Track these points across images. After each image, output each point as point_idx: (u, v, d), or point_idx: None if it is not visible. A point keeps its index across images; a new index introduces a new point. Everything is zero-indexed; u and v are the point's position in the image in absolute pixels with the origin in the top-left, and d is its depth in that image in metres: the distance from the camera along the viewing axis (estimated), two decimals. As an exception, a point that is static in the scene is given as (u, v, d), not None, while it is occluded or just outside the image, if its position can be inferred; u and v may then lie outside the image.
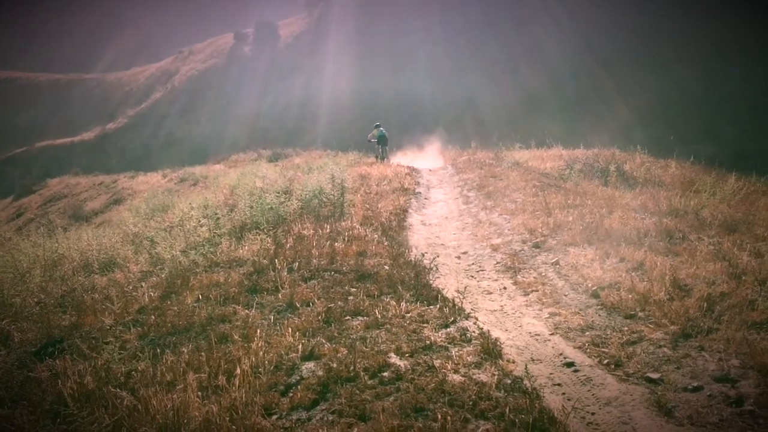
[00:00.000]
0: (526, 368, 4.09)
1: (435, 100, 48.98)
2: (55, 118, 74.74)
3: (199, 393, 3.81)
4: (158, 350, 4.49)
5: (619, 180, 11.40)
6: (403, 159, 19.25)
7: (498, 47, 52.53)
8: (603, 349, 4.69)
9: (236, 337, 4.62)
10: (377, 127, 19.43)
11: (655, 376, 4.22)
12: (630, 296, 5.54)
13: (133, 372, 4.24)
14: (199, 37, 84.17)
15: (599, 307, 5.57)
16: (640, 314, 5.22)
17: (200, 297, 5.67)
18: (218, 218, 8.74)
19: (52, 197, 31.82)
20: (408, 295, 5.37)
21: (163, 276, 6.59)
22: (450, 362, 4.04)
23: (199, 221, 8.80)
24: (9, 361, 4.67)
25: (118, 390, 3.94)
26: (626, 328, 5.02)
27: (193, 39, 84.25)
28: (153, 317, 5.28)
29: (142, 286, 6.26)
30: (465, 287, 6.16)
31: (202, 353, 4.35)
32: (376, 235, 7.85)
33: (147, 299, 5.80)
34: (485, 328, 4.78)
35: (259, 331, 4.63)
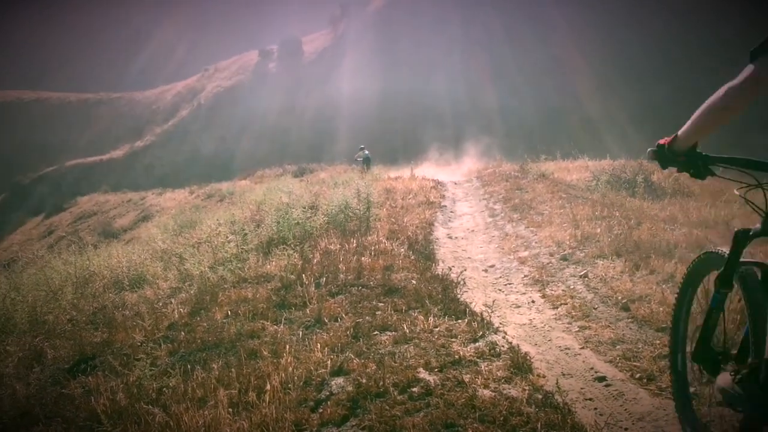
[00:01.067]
0: (557, 383, 4.05)
1: (458, 113, 49.00)
2: (84, 137, 76.24)
3: (230, 409, 3.82)
4: (189, 366, 4.52)
5: (647, 191, 11.28)
6: (427, 171, 19.30)
7: (521, 59, 52.51)
8: (635, 363, 4.62)
9: (265, 352, 4.64)
10: (362, 149, 23.87)
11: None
12: (661, 309, 5.45)
13: (164, 388, 4.27)
14: (225, 55, 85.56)
15: (630, 320, 5.50)
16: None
17: (229, 313, 5.71)
18: (245, 234, 8.82)
19: (82, 215, 32.37)
20: (436, 309, 5.35)
21: (192, 292, 6.66)
22: (480, 377, 4.01)
23: (227, 237, 8.89)
24: (43, 378, 4.74)
25: (150, 406, 3.98)
26: (658, 342, 4.94)
27: (219, 56, 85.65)
28: (183, 333, 5.33)
29: (171, 303, 6.32)
30: (493, 301, 6.12)
31: (232, 369, 4.37)
32: (402, 249, 7.85)
33: (177, 315, 5.85)
34: (514, 342, 4.75)
35: (288, 346, 4.65)
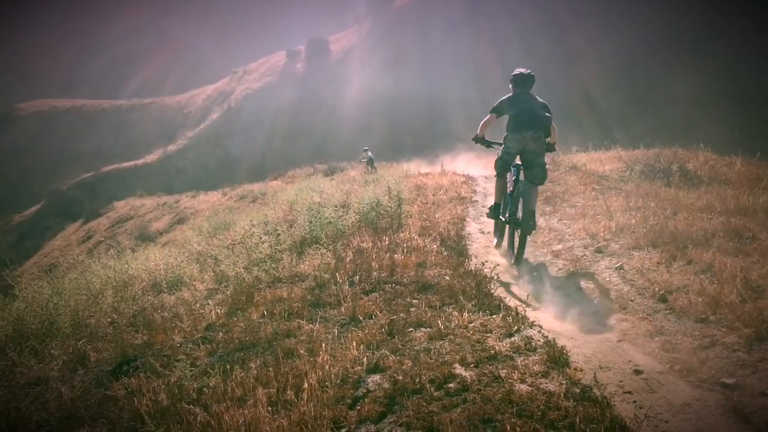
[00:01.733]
0: (594, 376, 4.02)
1: (489, 106, 48.72)
2: (118, 143, 77.61)
3: (269, 408, 3.88)
4: (227, 366, 4.59)
5: (683, 180, 11.06)
6: (458, 166, 19.22)
7: (550, 48, 51.94)
8: (674, 355, 4.57)
9: (302, 351, 4.69)
10: (366, 150, 25.94)
11: (730, 381, 4.08)
12: (700, 299, 5.38)
13: (204, 388, 4.35)
14: (253, 57, 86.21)
15: (668, 311, 5.43)
16: (711, 318, 5.07)
17: (265, 313, 5.78)
18: (278, 234, 8.89)
19: (119, 219, 32.93)
20: (470, 305, 5.35)
21: (228, 293, 6.74)
22: (516, 372, 4.00)
23: (260, 238, 8.97)
24: (87, 381, 4.85)
25: (192, 406, 4.05)
26: (697, 333, 4.88)
27: (247, 59, 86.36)
28: (221, 334, 5.41)
29: (208, 304, 6.41)
30: (527, 295, 6.09)
31: (270, 368, 4.43)
32: (434, 246, 7.84)
33: (214, 316, 5.94)
34: (550, 336, 4.72)
35: (324, 345, 4.69)
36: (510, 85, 7.87)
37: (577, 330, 5.28)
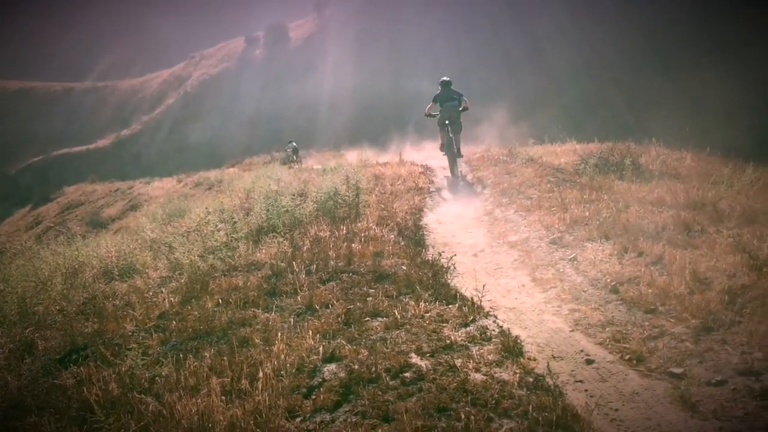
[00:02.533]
0: (547, 366, 4.08)
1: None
2: (70, 127, 75.52)
3: (223, 397, 3.84)
4: (181, 355, 4.52)
5: (635, 173, 11.30)
6: (416, 156, 19.24)
7: (507, 44, 52.34)
8: (624, 345, 4.67)
9: (257, 340, 4.65)
10: (290, 142, 28.58)
11: (678, 370, 4.19)
12: (650, 291, 5.50)
13: (156, 377, 4.28)
14: (211, 42, 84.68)
15: (619, 302, 5.54)
16: (660, 309, 5.19)
17: (220, 301, 5.71)
18: (235, 222, 8.79)
19: (69, 205, 32.13)
20: (426, 294, 5.38)
21: (182, 281, 6.64)
22: (471, 361, 4.04)
23: (216, 226, 8.84)
24: (34, 369, 4.73)
25: (143, 396, 3.99)
26: (647, 323, 4.99)
27: (205, 44, 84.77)
28: (174, 322, 5.33)
29: (162, 292, 6.31)
30: (483, 285, 6.15)
31: (224, 357, 4.38)
32: (392, 236, 7.86)
33: (167, 305, 5.85)
34: (505, 326, 4.78)
35: (279, 334, 4.66)
36: (439, 85, 13.92)
37: (532, 320, 5.35)
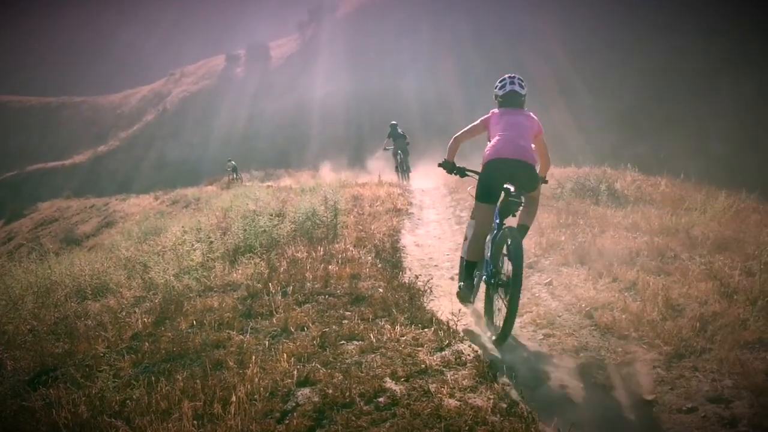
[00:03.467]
0: (521, 392, 4.09)
1: (426, 119, 49.25)
2: (46, 142, 74.76)
3: (195, 422, 3.79)
4: (153, 378, 4.46)
5: (611, 199, 11.45)
6: (396, 177, 19.36)
7: (488, 63, 52.89)
8: (598, 371, 4.70)
9: (231, 363, 4.61)
10: (230, 161, 31.79)
11: (649, 397, 4.23)
12: (623, 317, 5.56)
13: (127, 401, 4.21)
14: (191, 59, 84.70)
15: (593, 327, 5.59)
16: (633, 335, 5.24)
17: (194, 322, 5.66)
18: (211, 242, 8.73)
19: (43, 221, 31.71)
20: (402, 318, 5.37)
21: (156, 301, 6.56)
22: (446, 386, 4.04)
23: (192, 245, 8.78)
24: (2, 391, 4.63)
25: (113, 419, 3.92)
26: (620, 349, 5.04)
27: (185, 61, 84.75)
28: (147, 344, 5.26)
29: (135, 312, 6.23)
30: (459, 309, 6.16)
31: (197, 380, 4.33)
32: (369, 257, 7.86)
33: (141, 325, 5.77)
34: (480, 351, 4.79)
35: (254, 357, 4.62)
36: (389, 126, 16.12)
37: (507, 345, 5.37)
